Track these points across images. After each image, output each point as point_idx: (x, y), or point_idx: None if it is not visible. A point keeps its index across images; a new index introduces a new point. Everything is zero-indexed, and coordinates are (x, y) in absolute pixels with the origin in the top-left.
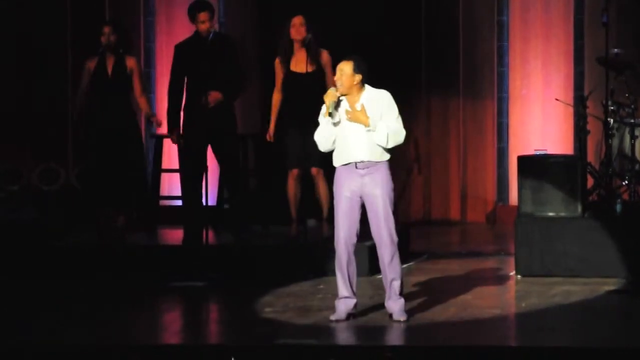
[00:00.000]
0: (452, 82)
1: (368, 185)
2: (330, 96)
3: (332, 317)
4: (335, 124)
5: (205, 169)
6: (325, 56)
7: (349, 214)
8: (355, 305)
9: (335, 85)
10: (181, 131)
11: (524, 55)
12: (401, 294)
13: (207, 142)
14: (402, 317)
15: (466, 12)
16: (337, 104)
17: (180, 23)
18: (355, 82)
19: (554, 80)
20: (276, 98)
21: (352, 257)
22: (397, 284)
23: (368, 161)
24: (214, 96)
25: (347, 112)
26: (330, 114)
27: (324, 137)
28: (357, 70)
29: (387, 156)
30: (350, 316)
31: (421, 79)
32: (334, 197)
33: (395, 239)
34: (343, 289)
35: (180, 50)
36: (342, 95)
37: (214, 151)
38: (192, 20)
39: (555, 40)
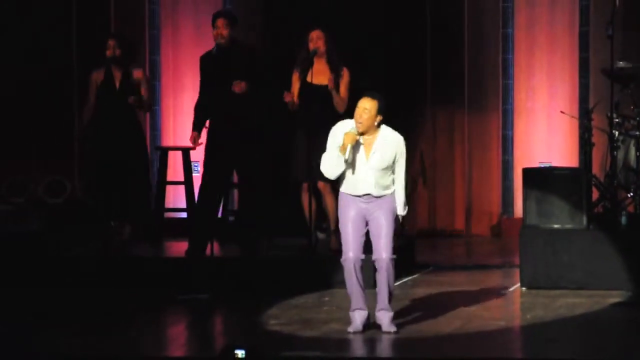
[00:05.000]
0: (457, 95)
1: (371, 214)
2: (350, 138)
3: (350, 329)
4: (347, 162)
5: (226, 184)
6: (345, 73)
7: (356, 233)
8: (368, 317)
9: (341, 105)
10: (204, 144)
11: (529, 67)
12: (390, 306)
13: (231, 160)
14: (392, 329)
15: (471, 24)
16: (355, 145)
17: (186, 36)
18: (375, 123)
19: (559, 92)
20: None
21: (360, 272)
22: (388, 297)
23: (374, 196)
24: (239, 86)
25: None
26: (346, 154)
27: (333, 169)
28: (380, 111)
29: (392, 189)
30: (365, 327)
31: (426, 91)
32: (339, 217)
33: (392, 255)
34: (357, 301)
35: (203, 61)
36: (360, 134)
37: (237, 170)
38: (213, 28)
39: (560, 52)
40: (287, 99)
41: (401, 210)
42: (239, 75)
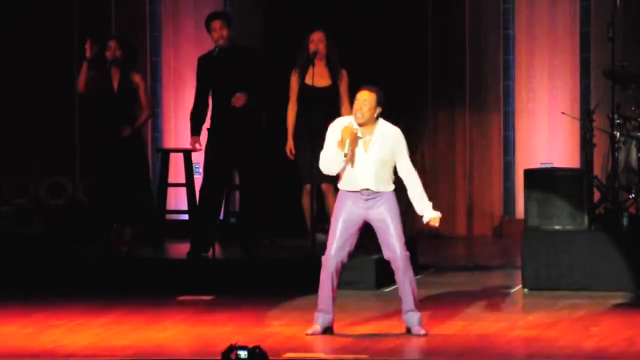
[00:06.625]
0: (458, 96)
1: (373, 212)
2: (349, 133)
3: (309, 331)
4: (346, 157)
5: (227, 185)
6: (344, 76)
7: (343, 235)
8: (332, 321)
9: (350, 112)
10: (204, 146)
11: (530, 68)
12: (417, 307)
13: (232, 161)
14: (422, 332)
15: (472, 25)
16: (354, 140)
17: (187, 38)
18: (375, 115)
19: (560, 93)
20: (291, 111)
21: (337, 275)
22: (411, 298)
23: (374, 191)
24: (239, 98)
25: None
26: (345, 148)
27: (332, 164)
28: (379, 103)
29: (392, 187)
30: (327, 330)
31: (428, 92)
32: (333, 214)
33: (407, 253)
34: (323, 302)
35: (201, 62)
36: (359, 125)
37: (238, 171)
38: (208, 31)
39: (561, 53)
40: (288, 153)
41: (429, 210)
42: (239, 77)
